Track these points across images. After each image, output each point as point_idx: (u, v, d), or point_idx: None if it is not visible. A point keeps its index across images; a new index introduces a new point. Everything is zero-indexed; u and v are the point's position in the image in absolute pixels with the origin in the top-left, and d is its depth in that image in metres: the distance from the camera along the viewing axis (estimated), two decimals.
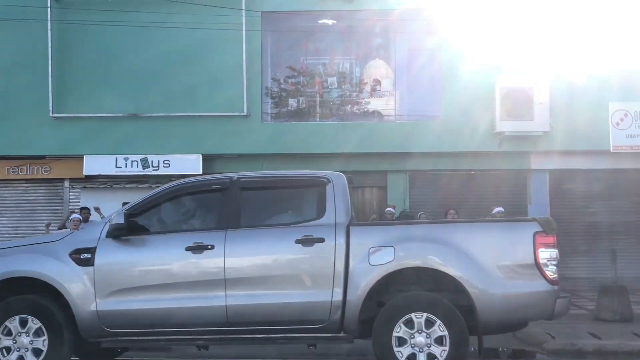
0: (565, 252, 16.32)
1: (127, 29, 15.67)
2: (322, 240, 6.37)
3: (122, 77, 16.17)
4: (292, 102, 16.89)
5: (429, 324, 6.10)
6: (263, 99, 16.51)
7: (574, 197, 16.47)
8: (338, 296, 6.27)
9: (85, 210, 13.60)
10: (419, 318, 6.12)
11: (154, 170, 16.12)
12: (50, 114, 16.10)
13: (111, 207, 15.44)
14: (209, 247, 6.41)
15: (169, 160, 16.11)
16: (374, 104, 17.03)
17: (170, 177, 16.34)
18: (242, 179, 6.90)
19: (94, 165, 16.20)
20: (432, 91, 16.45)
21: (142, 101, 16.09)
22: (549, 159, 16.08)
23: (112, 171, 16.20)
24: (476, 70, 15.51)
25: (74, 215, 12.44)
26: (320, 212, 6.59)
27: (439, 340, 6.07)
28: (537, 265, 6.21)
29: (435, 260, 6.26)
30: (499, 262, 6.25)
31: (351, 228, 6.46)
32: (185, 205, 7.11)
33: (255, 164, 16.49)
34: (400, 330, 6.16)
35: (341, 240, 6.38)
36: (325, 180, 6.79)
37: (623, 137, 15.23)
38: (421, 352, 6.08)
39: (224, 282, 6.35)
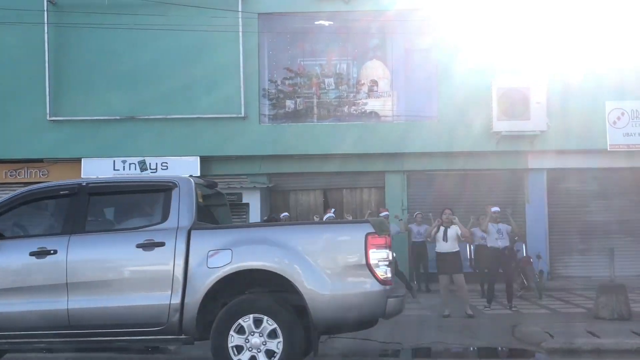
0: (563, 251, 16.49)
1: (123, 31, 15.68)
2: (162, 244, 6.47)
3: (119, 79, 16.17)
4: (289, 104, 16.91)
5: (261, 323, 6.27)
6: (260, 100, 16.52)
7: (571, 196, 16.51)
8: (177, 299, 6.37)
9: None
10: (247, 321, 6.29)
11: (152, 172, 16.12)
12: (48, 117, 16.10)
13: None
14: (52, 252, 6.51)
15: (166, 163, 16.12)
16: (371, 104, 17.04)
17: None
18: (91, 185, 7.02)
19: (91, 168, 16.18)
20: (429, 91, 16.48)
21: (140, 103, 16.09)
22: (546, 158, 16.12)
23: (110, 174, 16.17)
24: (473, 70, 15.54)
25: None
26: (165, 216, 6.67)
27: (274, 344, 6.24)
28: (368, 266, 6.29)
29: (270, 263, 6.39)
30: (332, 263, 6.40)
31: (192, 232, 6.55)
32: (35, 210, 7.24)
33: (253, 166, 16.53)
34: (236, 332, 6.31)
35: (181, 244, 6.47)
36: (171, 184, 6.81)
37: (620, 136, 15.30)
38: (259, 351, 6.26)
39: (66, 286, 6.43)
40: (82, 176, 16.17)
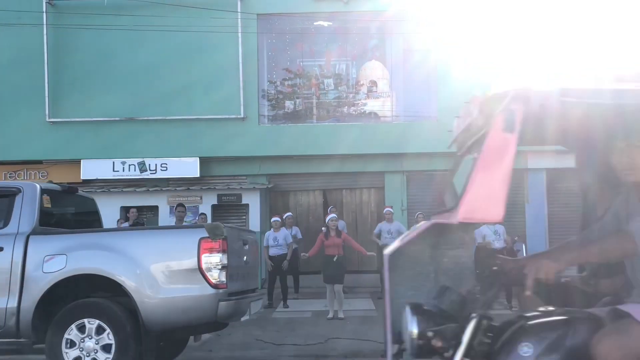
0: None
1: (122, 32, 15.69)
2: (1, 249, 6.54)
3: (118, 80, 16.17)
4: (288, 104, 16.91)
5: (94, 327, 6.32)
6: (260, 101, 16.53)
7: (571, 195, 16.48)
8: (13, 303, 6.42)
9: None
10: (81, 325, 6.32)
11: (151, 173, 16.14)
12: (47, 119, 16.11)
13: (109, 211, 15.49)
14: None
15: (166, 164, 16.12)
16: (371, 105, 17.07)
17: (167, 180, 16.41)
18: None
19: (91, 169, 16.21)
20: (428, 91, 16.47)
21: (139, 104, 16.09)
22: (545, 158, 16.10)
23: (110, 175, 16.21)
24: (471, 70, 15.53)
25: None
26: (6, 221, 6.71)
27: (107, 348, 6.27)
28: (200, 270, 6.38)
29: (104, 267, 6.47)
30: (166, 267, 6.49)
31: (31, 237, 6.61)
32: None
33: (252, 166, 16.53)
34: (70, 335, 6.34)
35: (19, 249, 6.53)
36: (15, 190, 6.87)
37: None
38: (88, 356, 6.29)
39: None
40: (81, 177, 16.21)
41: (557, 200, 16.45)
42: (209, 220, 15.78)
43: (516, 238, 14.58)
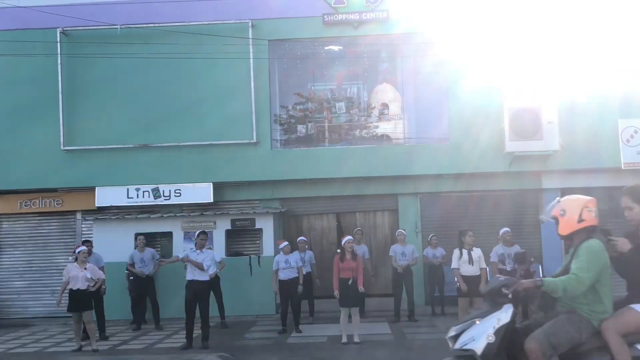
0: None
1: (135, 60, 15.85)
2: None
3: (132, 107, 16.30)
4: (300, 128, 16.95)
5: None
6: (272, 125, 16.58)
7: None
8: None
9: (88, 243, 13.76)
10: None
11: (165, 200, 16.17)
12: (62, 147, 16.23)
13: (124, 238, 15.56)
14: None
15: (180, 190, 16.16)
16: (383, 127, 17.08)
17: (181, 206, 16.45)
18: None
19: (105, 196, 16.28)
20: (440, 113, 16.44)
21: (152, 131, 16.19)
22: (560, 177, 16.03)
23: (124, 202, 16.26)
24: (483, 90, 15.55)
25: (81, 248, 12.50)
26: None
27: None
28: None
29: None
30: None
31: None
32: None
33: (266, 191, 16.55)
34: None
35: None
36: None
37: (634, 154, 15.19)
38: None
39: None
40: (96, 205, 16.29)
41: None
42: (223, 246, 15.80)
43: (532, 259, 14.45)
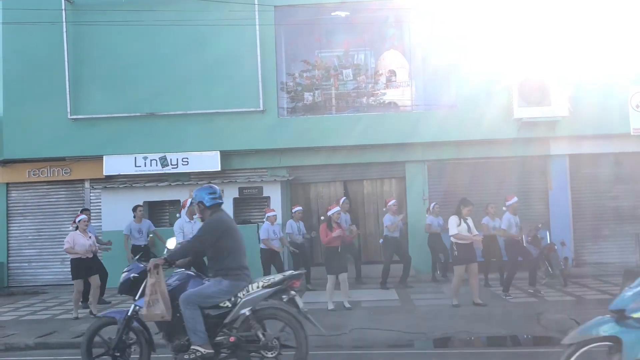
0: (588, 237, 16.32)
1: (141, 28, 15.74)
2: None
3: (138, 76, 16.24)
4: (307, 96, 16.86)
5: None
6: (279, 93, 16.50)
7: (595, 181, 16.33)
8: None
9: (87, 212, 13.70)
10: None
11: (172, 168, 16.21)
12: (69, 116, 16.23)
13: (132, 206, 15.63)
14: None
15: (187, 158, 16.18)
16: (390, 94, 16.97)
17: (189, 175, 16.49)
18: None
19: (113, 165, 16.32)
20: (448, 80, 16.32)
21: (159, 100, 16.15)
22: (568, 143, 15.96)
23: (132, 170, 16.30)
24: (492, 57, 15.41)
25: (81, 217, 12.55)
26: None
27: None
28: None
29: None
30: None
31: None
32: None
33: (273, 159, 16.55)
34: None
35: None
36: None
37: None
38: None
39: None
40: (104, 173, 16.34)
41: (580, 186, 16.27)
42: (230, 214, 15.86)
43: (540, 225, 14.47)
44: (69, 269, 12.53)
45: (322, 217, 12.47)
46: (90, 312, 12.16)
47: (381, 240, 14.75)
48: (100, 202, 16.54)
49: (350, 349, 8.88)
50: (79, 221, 12.43)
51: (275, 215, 13.85)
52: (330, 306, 11.77)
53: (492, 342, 9.41)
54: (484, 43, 15.47)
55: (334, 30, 17.37)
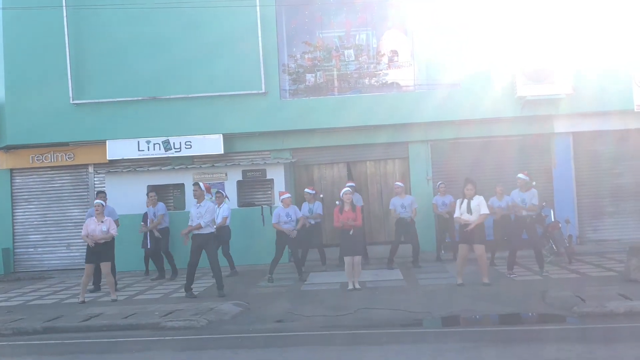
0: (592, 215, 16.33)
1: (142, 11, 15.70)
2: None
3: (139, 59, 16.20)
4: (309, 78, 16.80)
5: None
6: (280, 75, 16.45)
7: (599, 158, 16.30)
8: None
9: (102, 194, 13.67)
10: None
11: (176, 152, 16.21)
12: (71, 101, 16.22)
13: (136, 190, 15.66)
14: None
15: (190, 142, 16.17)
16: (392, 74, 16.90)
17: (192, 158, 16.50)
18: None
19: (116, 149, 16.33)
20: (451, 59, 16.22)
21: (161, 83, 16.13)
22: (572, 121, 15.91)
23: (135, 155, 16.31)
24: (495, 35, 15.32)
25: (96, 202, 12.50)
26: None
27: None
28: None
29: None
30: None
31: None
32: None
33: (276, 141, 16.54)
34: None
35: None
36: None
37: None
38: None
39: None
40: (107, 158, 16.36)
41: (584, 163, 16.24)
42: (234, 197, 15.92)
43: (544, 203, 14.45)
44: (76, 254, 12.53)
45: (338, 202, 12.48)
46: (112, 300, 12.05)
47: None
48: (104, 187, 16.56)
49: (355, 329, 8.91)
50: (95, 204, 12.38)
51: (290, 197, 13.66)
52: (350, 286, 11.84)
53: (497, 320, 9.43)
54: (486, 22, 15.37)
55: (335, 10, 17.26)
